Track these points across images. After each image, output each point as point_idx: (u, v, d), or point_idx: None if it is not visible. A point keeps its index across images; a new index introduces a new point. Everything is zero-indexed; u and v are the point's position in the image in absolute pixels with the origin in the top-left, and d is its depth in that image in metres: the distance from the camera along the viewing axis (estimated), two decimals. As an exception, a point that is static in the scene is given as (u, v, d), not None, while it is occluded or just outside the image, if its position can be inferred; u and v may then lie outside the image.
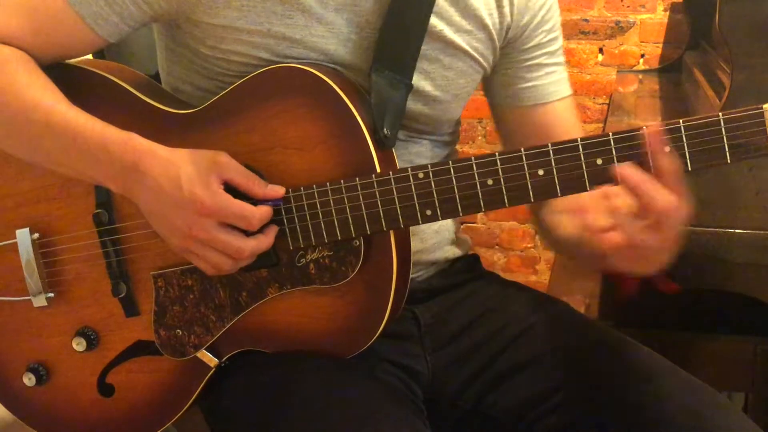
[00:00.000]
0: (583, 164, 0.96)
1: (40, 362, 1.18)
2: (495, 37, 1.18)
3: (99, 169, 1.04)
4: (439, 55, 1.14)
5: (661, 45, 2.89)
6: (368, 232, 1.03)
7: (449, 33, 1.13)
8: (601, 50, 2.93)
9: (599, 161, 0.96)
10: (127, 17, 1.08)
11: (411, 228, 1.07)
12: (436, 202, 1.01)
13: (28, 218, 1.16)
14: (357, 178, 1.02)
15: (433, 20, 1.11)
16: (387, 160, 1.06)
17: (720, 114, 0.93)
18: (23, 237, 1.15)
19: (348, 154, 1.03)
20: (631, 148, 0.95)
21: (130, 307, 1.14)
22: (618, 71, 2.84)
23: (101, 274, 1.14)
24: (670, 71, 2.55)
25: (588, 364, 1.14)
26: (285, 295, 1.08)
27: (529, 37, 1.20)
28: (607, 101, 2.81)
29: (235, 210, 1.00)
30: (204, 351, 1.11)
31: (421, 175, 1.01)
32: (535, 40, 1.21)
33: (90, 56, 1.21)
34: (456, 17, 1.13)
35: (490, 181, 0.99)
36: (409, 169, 1.01)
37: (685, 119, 0.94)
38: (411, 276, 1.11)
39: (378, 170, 1.03)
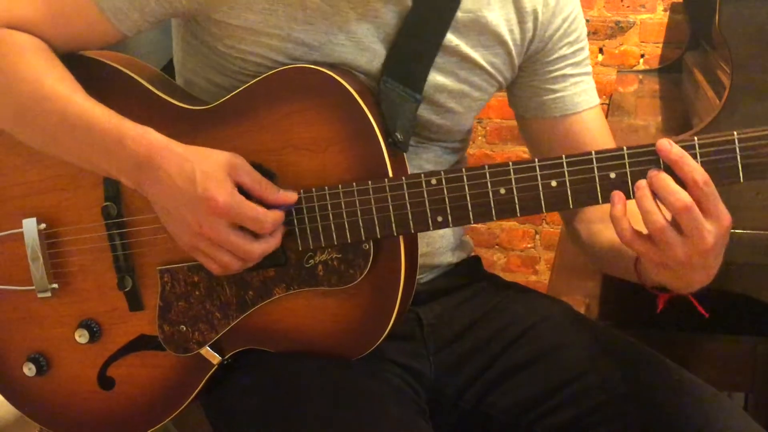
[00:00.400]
0: (597, 177, 0.96)
1: (40, 352, 1.18)
2: (514, 53, 1.17)
3: (113, 162, 1.04)
4: (454, 68, 1.13)
5: (661, 45, 2.89)
6: (378, 236, 1.03)
7: (465, 48, 1.13)
8: (601, 50, 2.93)
9: (612, 175, 0.96)
10: (147, 13, 1.07)
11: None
12: (448, 209, 1.01)
13: (35, 208, 1.15)
14: (369, 182, 1.02)
15: (450, 36, 1.11)
16: (399, 164, 1.06)
17: (735, 133, 0.93)
18: (30, 227, 1.14)
19: (360, 157, 1.03)
20: (646, 162, 0.95)
21: (135, 301, 1.14)
22: (618, 71, 2.84)
23: (107, 267, 1.14)
24: (670, 71, 2.55)
25: (588, 364, 1.14)
26: (291, 295, 1.07)
27: (553, 50, 1.19)
28: (607, 101, 2.81)
29: (247, 212, 1.00)
30: (207, 348, 1.11)
31: (434, 182, 1.01)
32: (559, 52, 1.20)
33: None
34: (474, 33, 1.13)
35: (502, 190, 0.99)
36: (422, 175, 1.01)
37: (700, 136, 0.94)
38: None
39: (390, 174, 1.02)
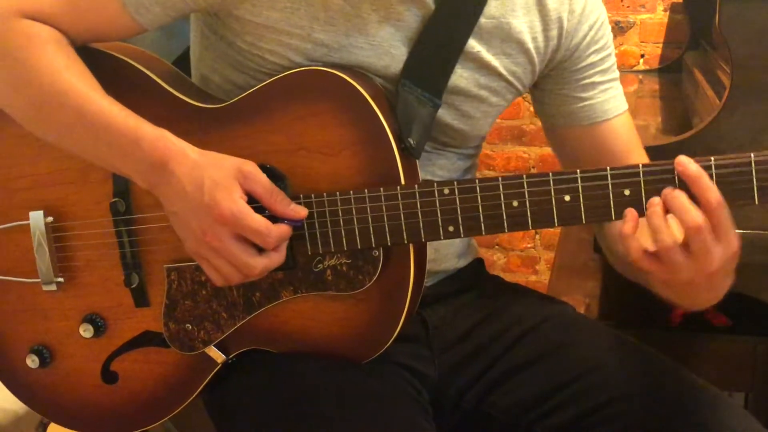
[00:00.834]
0: (611, 194, 0.96)
1: (44, 344, 1.17)
2: (536, 60, 1.15)
3: (127, 163, 1.03)
4: (474, 74, 1.12)
5: (661, 45, 2.88)
6: (389, 244, 1.02)
7: (487, 55, 1.11)
8: (601, 50, 2.93)
9: (627, 192, 0.95)
10: (169, 8, 1.06)
11: None
12: (460, 219, 1.00)
13: (42, 200, 1.14)
14: (381, 189, 1.01)
15: (472, 41, 1.09)
16: (411, 170, 1.05)
17: (752, 155, 0.92)
18: (37, 219, 1.13)
19: (373, 162, 1.02)
20: (661, 181, 0.94)
21: (141, 298, 1.13)
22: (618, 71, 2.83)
23: (113, 263, 1.13)
24: (670, 71, 2.54)
25: (589, 365, 1.14)
26: (299, 298, 1.07)
27: (580, 58, 1.17)
28: (607, 101, 2.81)
29: (251, 224, 0.98)
30: (212, 347, 1.10)
31: (446, 191, 1.00)
32: (587, 60, 1.17)
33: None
34: (497, 40, 1.11)
35: (515, 203, 0.98)
36: (435, 184, 1.00)
37: (716, 157, 0.93)
38: None
39: (402, 180, 1.02)
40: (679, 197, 0.92)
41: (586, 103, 1.19)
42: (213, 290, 1.09)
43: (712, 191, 0.91)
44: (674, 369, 1.13)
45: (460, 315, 1.23)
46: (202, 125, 1.07)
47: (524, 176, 0.98)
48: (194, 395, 1.14)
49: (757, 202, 0.93)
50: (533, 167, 3.02)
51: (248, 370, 1.12)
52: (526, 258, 3.12)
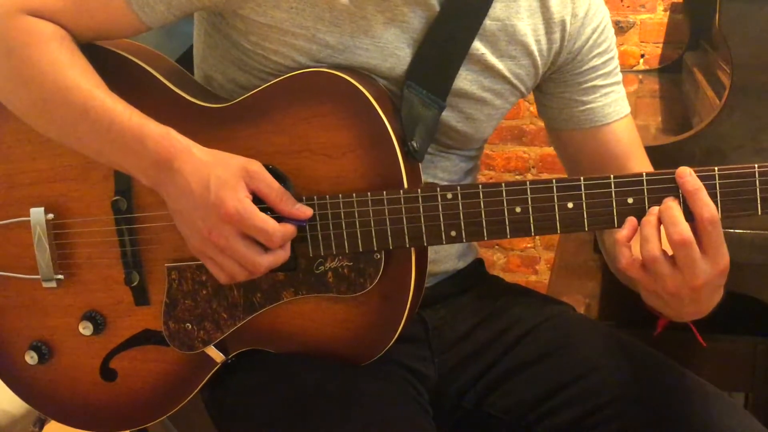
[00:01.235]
0: (614, 201, 0.95)
1: (43, 341, 1.16)
2: (539, 63, 1.15)
3: (131, 160, 1.02)
4: (478, 76, 1.11)
5: (661, 45, 2.88)
6: (390, 248, 1.02)
7: (491, 57, 1.11)
8: (601, 50, 2.93)
9: (630, 200, 0.95)
10: (174, 6, 1.05)
11: None
12: (462, 224, 1.00)
13: (43, 197, 1.13)
14: (384, 192, 1.00)
15: (477, 44, 1.09)
16: (413, 173, 1.04)
17: (756, 165, 0.92)
18: (37, 216, 1.12)
19: (376, 165, 1.01)
20: (665, 190, 0.94)
21: (141, 296, 1.12)
22: (618, 71, 2.83)
23: (114, 261, 1.12)
24: (670, 71, 2.54)
25: (589, 365, 1.14)
26: (300, 299, 1.06)
27: (583, 61, 1.17)
28: (607, 101, 2.81)
29: (257, 223, 0.97)
30: (212, 347, 1.10)
31: (449, 196, 0.99)
32: (589, 64, 1.17)
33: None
34: (502, 43, 1.11)
35: (518, 209, 0.98)
36: (438, 189, 1.00)
37: (720, 167, 0.93)
38: None
39: (405, 184, 1.01)
40: (672, 209, 0.92)
41: (588, 106, 1.18)
42: (213, 290, 1.08)
43: (707, 208, 0.91)
44: (674, 369, 1.13)
45: (460, 315, 1.23)
46: (206, 125, 1.06)
47: (527, 182, 0.98)
48: (193, 394, 1.13)
49: (759, 213, 0.93)
50: (533, 167, 3.02)
51: (248, 369, 1.11)
52: (526, 258, 3.12)
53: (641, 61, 2.90)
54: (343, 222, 1.02)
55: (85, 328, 1.14)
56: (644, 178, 0.95)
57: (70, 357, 1.17)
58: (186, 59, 1.24)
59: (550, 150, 2.90)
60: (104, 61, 1.08)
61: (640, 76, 2.59)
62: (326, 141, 1.02)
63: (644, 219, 0.93)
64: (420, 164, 1.07)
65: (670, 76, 2.48)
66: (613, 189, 0.95)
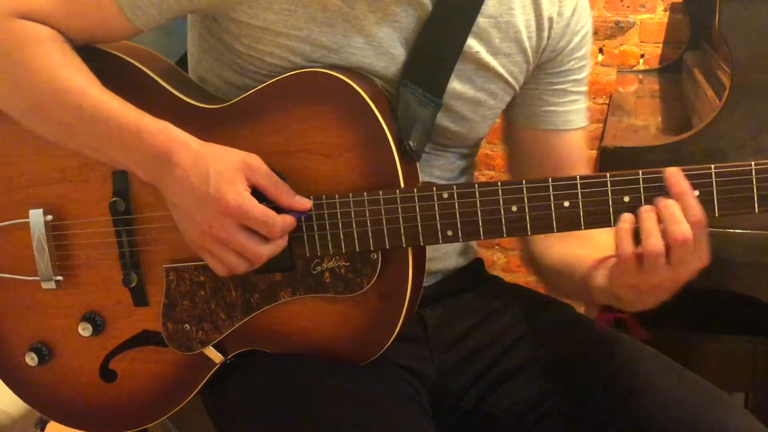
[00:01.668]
0: (610, 200, 0.95)
1: (43, 342, 1.16)
2: (531, 60, 1.14)
3: (129, 156, 1.01)
4: (472, 76, 1.11)
5: (661, 45, 2.88)
6: (387, 247, 1.01)
7: (486, 55, 1.10)
8: (601, 50, 2.92)
9: (626, 198, 0.94)
10: (165, 9, 1.04)
11: None
12: (458, 224, 0.99)
13: (42, 198, 1.12)
14: (380, 192, 0.99)
15: (471, 41, 1.08)
16: (410, 173, 1.03)
17: (752, 163, 0.91)
18: (36, 218, 1.12)
19: (373, 165, 1.01)
20: (660, 188, 0.93)
21: (140, 297, 1.11)
22: (618, 71, 2.82)
23: (112, 262, 1.11)
24: (670, 71, 2.54)
25: (589, 365, 1.13)
26: (297, 300, 1.05)
27: (561, 62, 1.17)
28: (607, 101, 2.80)
29: (257, 214, 0.97)
30: (210, 347, 1.09)
31: (445, 195, 0.99)
32: (567, 66, 1.17)
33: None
34: (496, 40, 1.10)
35: (514, 208, 0.97)
36: (434, 188, 0.99)
37: (716, 165, 0.93)
38: None
39: (402, 183, 1.00)
40: (672, 207, 0.92)
41: (553, 108, 1.19)
42: (211, 291, 1.08)
43: (693, 209, 0.92)
44: (675, 367, 1.12)
45: (459, 315, 1.22)
46: (203, 125, 1.05)
47: (524, 181, 0.97)
48: (192, 395, 1.12)
49: (757, 211, 0.93)
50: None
51: (247, 370, 1.11)
52: (526, 258, 3.11)
53: (641, 61, 2.89)
54: (339, 222, 1.01)
55: (85, 329, 1.13)
56: (640, 176, 0.94)
57: (70, 358, 1.16)
58: (186, 60, 1.24)
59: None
60: (100, 62, 1.07)
61: (640, 76, 2.58)
62: (323, 141, 1.01)
63: (644, 215, 0.93)
64: (417, 165, 1.07)
65: (670, 76, 2.48)
66: (609, 187, 0.95)
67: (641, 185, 0.94)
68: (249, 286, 1.06)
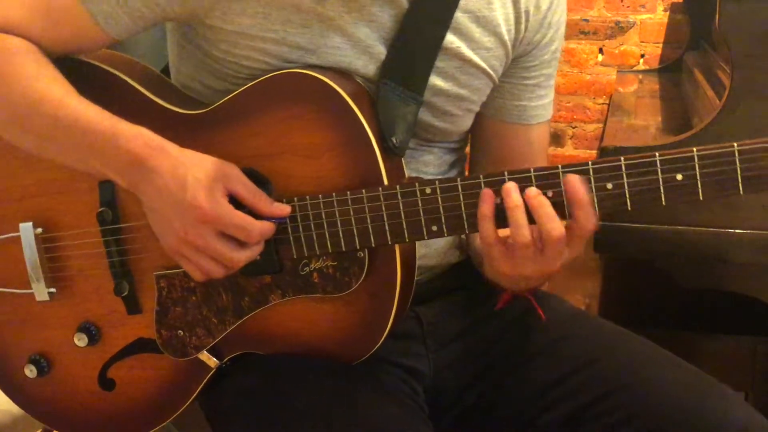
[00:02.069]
0: (593, 188, 0.94)
1: (41, 354, 1.15)
2: (510, 53, 1.13)
3: (107, 162, 1.00)
4: (455, 73, 1.09)
5: (661, 45, 2.87)
6: (373, 245, 1.00)
7: (467, 50, 1.08)
8: (601, 50, 2.92)
9: (609, 186, 0.93)
10: (138, 18, 1.03)
11: None
12: (443, 218, 0.97)
13: (31, 211, 1.12)
14: (363, 191, 0.98)
15: (451, 37, 1.07)
16: (395, 169, 1.02)
17: (735, 144, 0.89)
18: (26, 231, 1.11)
19: (356, 163, 1.00)
20: (643, 173, 0.92)
21: (133, 305, 1.11)
22: (618, 71, 2.82)
23: (104, 272, 1.10)
24: (670, 71, 2.53)
25: (588, 357, 1.11)
26: (288, 301, 1.04)
27: (535, 56, 1.16)
28: (607, 101, 2.80)
29: (235, 221, 0.97)
30: (205, 352, 1.08)
31: (428, 191, 0.97)
32: (539, 60, 1.16)
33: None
34: (476, 34, 1.09)
35: (497, 199, 0.95)
36: (417, 184, 0.97)
37: (699, 147, 0.90)
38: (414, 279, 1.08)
39: (385, 181, 0.99)
40: (546, 206, 0.93)
41: (522, 103, 1.18)
42: (202, 296, 1.07)
43: (589, 219, 0.94)
44: (674, 360, 1.11)
45: (455, 312, 1.20)
46: (184, 131, 1.04)
47: (505, 173, 0.95)
48: (192, 399, 1.12)
49: (742, 193, 0.90)
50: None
51: (243, 373, 1.10)
52: (526, 258, 3.11)
53: (641, 61, 2.89)
54: (324, 222, 1.00)
55: (80, 340, 1.13)
56: (623, 162, 0.93)
57: (68, 369, 1.16)
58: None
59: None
60: (78, 73, 1.07)
61: (640, 76, 2.58)
62: (304, 142, 1.01)
63: (513, 204, 0.93)
64: (403, 160, 1.05)
65: (670, 76, 2.48)
66: (591, 175, 0.93)
67: (623, 171, 0.93)
68: (239, 290, 1.05)
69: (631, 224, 1.46)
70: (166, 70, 1.22)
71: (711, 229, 1.45)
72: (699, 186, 0.91)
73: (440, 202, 0.98)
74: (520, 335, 1.18)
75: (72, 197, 1.11)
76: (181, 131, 1.04)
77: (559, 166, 0.94)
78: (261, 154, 1.02)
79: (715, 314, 1.86)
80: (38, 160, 1.10)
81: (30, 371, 1.16)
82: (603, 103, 2.90)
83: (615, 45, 2.90)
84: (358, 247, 1.01)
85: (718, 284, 1.50)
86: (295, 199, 1.01)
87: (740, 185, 0.90)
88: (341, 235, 1.00)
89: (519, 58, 1.16)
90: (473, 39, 1.09)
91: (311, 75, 1.00)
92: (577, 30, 2.90)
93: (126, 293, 1.11)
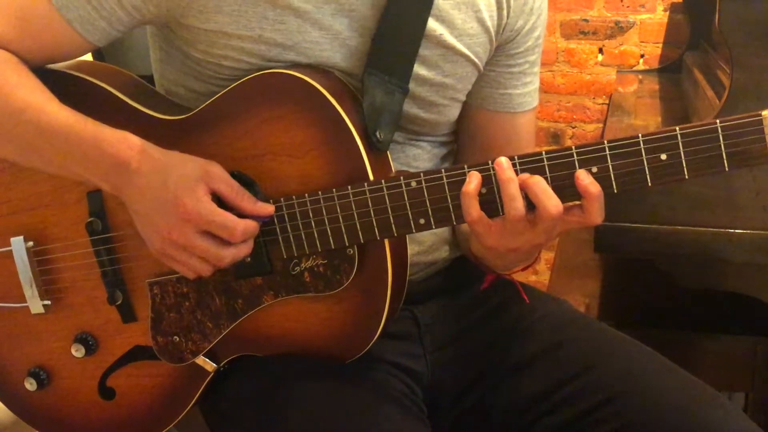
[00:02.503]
0: (570, 175, 0.93)
1: (40, 367, 1.15)
2: (494, 39, 1.11)
3: (91, 168, 1.00)
4: (439, 61, 1.08)
5: (661, 45, 2.87)
6: (362, 241, 0.99)
7: (450, 38, 1.07)
8: (600, 50, 2.91)
9: (594, 170, 0.92)
10: (115, 22, 1.03)
11: None
12: (429, 211, 0.97)
13: (22, 225, 1.12)
14: (349, 187, 0.97)
15: (433, 24, 1.05)
16: (381, 164, 1.01)
17: (717, 121, 0.88)
18: (18, 245, 1.11)
19: (340, 161, 0.99)
20: (627, 155, 0.91)
21: (127, 314, 1.10)
22: (618, 71, 2.81)
23: (97, 282, 1.10)
24: (670, 71, 2.53)
25: (587, 363, 1.10)
26: (280, 302, 1.03)
27: (519, 43, 1.14)
28: (607, 101, 2.79)
29: (217, 219, 0.96)
30: (202, 357, 1.08)
31: (413, 184, 0.96)
32: (523, 47, 1.15)
33: (89, 55, 1.17)
34: (458, 21, 1.07)
35: (483, 190, 0.94)
36: (402, 178, 0.96)
37: (681, 126, 0.90)
38: (410, 277, 1.06)
39: (371, 176, 0.98)
40: (541, 183, 0.92)
41: (507, 91, 1.17)
42: (196, 301, 1.06)
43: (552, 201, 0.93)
44: (672, 368, 1.10)
45: (453, 313, 1.19)
46: (168, 137, 1.03)
47: (490, 162, 0.94)
48: (192, 404, 1.11)
49: (727, 169, 0.89)
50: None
51: (240, 375, 1.09)
52: (526, 258, 3.11)
53: (641, 61, 2.88)
54: (312, 221, 1.00)
55: (77, 351, 1.12)
56: (606, 144, 0.92)
57: (68, 380, 1.15)
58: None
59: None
60: (59, 83, 1.06)
61: (640, 76, 2.58)
62: (287, 141, 1.00)
63: (506, 177, 0.93)
64: (390, 155, 1.04)
65: (670, 76, 2.47)
66: (575, 158, 0.92)
67: (608, 153, 0.92)
68: (232, 293, 1.05)
69: (631, 224, 1.46)
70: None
71: (711, 229, 1.44)
72: (684, 165, 0.90)
73: (426, 195, 0.97)
74: (518, 339, 1.16)
75: (61, 209, 1.10)
76: (166, 137, 1.03)
77: (543, 152, 0.93)
78: (246, 156, 1.01)
79: (715, 314, 1.86)
80: (28, 174, 1.10)
81: (30, 384, 1.15)
82: (603, 103, 2.89)
83: (615, 45, 2.90)
84: (347, 244, 1.00)
85: (718, 284, 1.50)
86: (282, 199, 1.00)
87: (725, 161, 0.89)
88: (329, 232, 1.00)
89: (503, 46, 1.14)
90: (455, 26, 1.08)
91: (291, 74, 1.00)
92: (576, 30, 2.89)
93: (120, 302, 1.10)
